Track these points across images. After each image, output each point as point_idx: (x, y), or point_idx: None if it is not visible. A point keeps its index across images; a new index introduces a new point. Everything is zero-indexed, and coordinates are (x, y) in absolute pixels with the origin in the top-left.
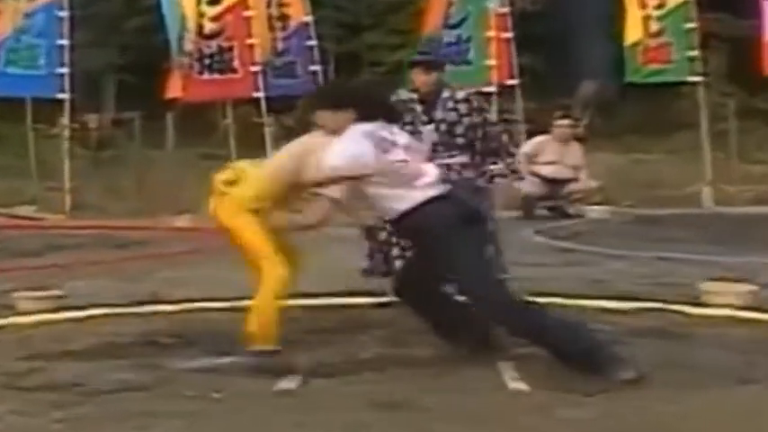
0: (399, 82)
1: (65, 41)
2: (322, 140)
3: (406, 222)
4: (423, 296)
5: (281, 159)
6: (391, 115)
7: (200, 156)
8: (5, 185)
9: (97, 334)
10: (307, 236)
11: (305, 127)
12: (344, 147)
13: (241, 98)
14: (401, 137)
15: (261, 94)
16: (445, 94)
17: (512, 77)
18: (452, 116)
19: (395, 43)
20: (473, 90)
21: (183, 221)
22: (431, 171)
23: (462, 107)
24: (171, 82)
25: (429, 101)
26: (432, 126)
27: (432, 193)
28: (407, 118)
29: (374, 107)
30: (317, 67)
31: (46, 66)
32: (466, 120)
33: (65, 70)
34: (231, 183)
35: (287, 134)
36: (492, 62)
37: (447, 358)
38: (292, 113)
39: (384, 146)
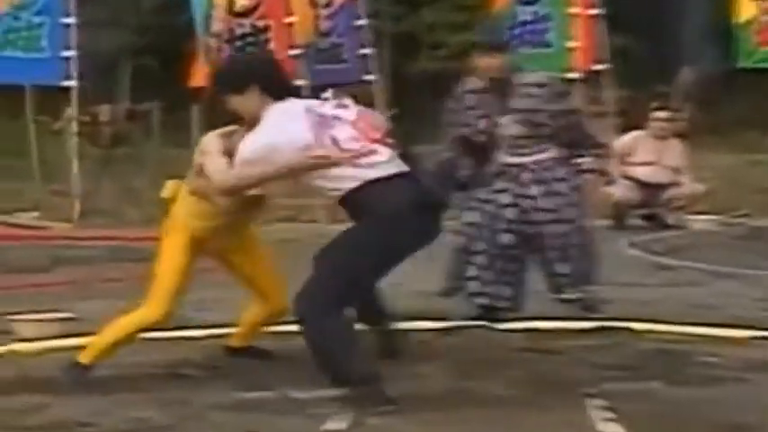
0: (463, 68)
1: (71, 20)
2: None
3: (350, 203)
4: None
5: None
6: (296, 92)
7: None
8: (2, 189)
9: (112, 364)
10: None
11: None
12: (261, 134)
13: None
14: (347, 110)
15: (301, 82)
16: (519, 79)
17: (599, 62)
18: (531, 103)
19: (459, 22)
20: (549, 74)
21: None
22: (383, 149)
23: (539, 92)
24: (196, 68)
25: (501, 89)
26: (510, 117)
27: (383, 172)
28: (481, 110)
29: (280, 80)
30: (367, 50)
31: (49, 48)
32: (549, 107)
33: (71, 53)
34: (169, 200)
35: None
36: (575, 44)
37: (523, 394)
38: None
39: (324, 121)
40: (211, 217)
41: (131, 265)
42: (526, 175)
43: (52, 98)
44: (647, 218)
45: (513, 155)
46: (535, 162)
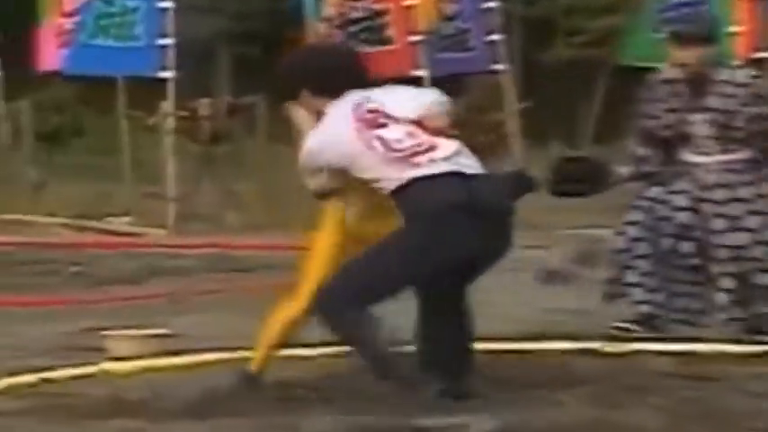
0: (605, 57)
1: (168, 3)
2: None
3: (396, 203)
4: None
5: None
6: (361, 78)
7: None
8: (92, 191)
9: (213, 385)
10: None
11: (479, 113)
12: (309, 139)
13: (398, 77)
14: (405, 104)
15: (424, 72)
16: (721, 75)
17: (763, 49)
18: (730, 104)
19: (599, 5)
20: (753, 72)
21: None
22: (444, 144)
23: (738, 92)
24: None
25: (698, 83)
26: (703, 116)
27: (428, 170)
28: (671, 103)
29: (334, 74)
30: (496, 37)
31: (144, 36)
32: (747, 109)
33: (168, 41)
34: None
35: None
36: (738, 28)
37: (673, 426)
38: (464, 97)
39: (373, 120)
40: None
41: (232, 275)
42: (710, 177)
43: (147, 91)
44: None
45: (697, 154)
46: (721, 163)
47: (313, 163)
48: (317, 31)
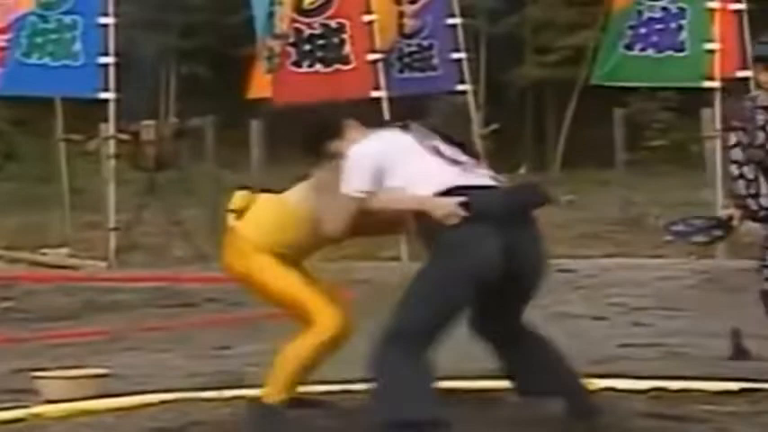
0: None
1: (109, 19)
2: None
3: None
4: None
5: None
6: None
7: (298, 179)
8: (27, 221)
9: (156, 428)
10: None
11: (444, 137)
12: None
13: (355, 99)
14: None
15: (382, 94)
16: None
17: (743, 67)
18: None
19: (571, 21)
20: None
21: None
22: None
23: None
24: (256, 76)
25: None
26: None
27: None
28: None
29: (366, 110)
30: (461, 55)
31: (83, 54)
32: None
33: (109, 60)
34: (239, 211)
35: None
36: (715, 46)
37: None
38: (427, 120)
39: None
40: (289, 231)
41: (180, 311)
42: None
43: (86, 113)
44: None
45: None
46: None
47: (358, 170)
48: (271, 49)
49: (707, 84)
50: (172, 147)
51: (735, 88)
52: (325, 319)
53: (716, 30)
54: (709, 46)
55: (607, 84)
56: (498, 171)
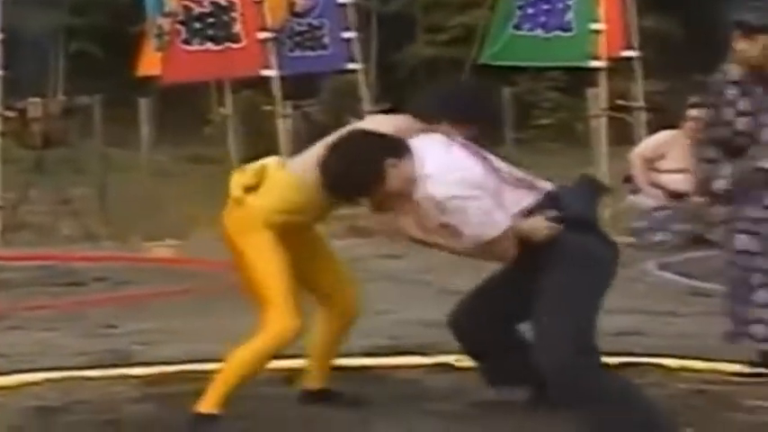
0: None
1: None
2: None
3: None
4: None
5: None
6: None
7: (187, 158)
8: None
9: (40, 407)
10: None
11: (335, 118)
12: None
13: (245, 78)
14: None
15: (273, 73)
16: None
17: (629, 48)
18: None
19: (463, 1)
20: None
21: (163, 250)
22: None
23: None
24: (146, 54)
25: (764, 80)
26: None
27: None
28: (741, 106)
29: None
30: (351, 34)
31: None
32: None
33: None
34: (251, 188)
35: (310, 129)
36: (601, 26)
37: None
38: (318, 100)
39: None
40: (301, 210)
41: (67, 290)
42: None
43: None
44: (682, 234)
45: None
46: None
47: (482, 206)
48: (160, 27)
49: (593, 63)
50: (59, 124)
51: (619, 68)
52: (279, 323)
53: (601, 10)
54: (594, 26)
55: (496, 63)
56: None
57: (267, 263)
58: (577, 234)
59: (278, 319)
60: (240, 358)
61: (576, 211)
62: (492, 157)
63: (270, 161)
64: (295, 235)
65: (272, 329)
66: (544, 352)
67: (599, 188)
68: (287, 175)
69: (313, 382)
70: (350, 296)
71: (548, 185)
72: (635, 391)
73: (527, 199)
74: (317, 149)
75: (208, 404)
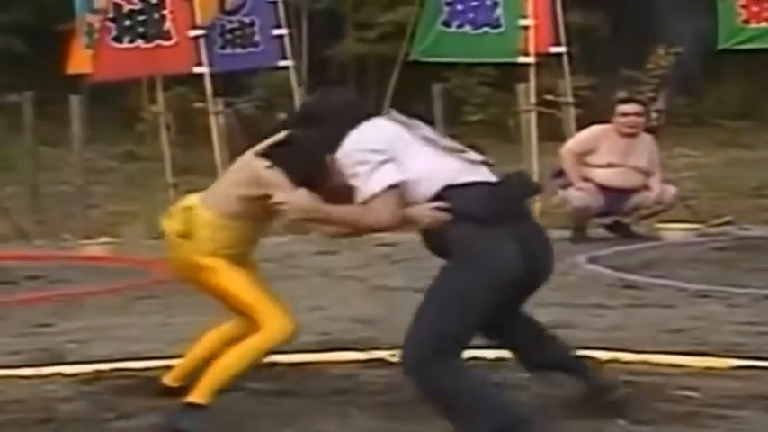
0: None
1: None
2: None
3: None
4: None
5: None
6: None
7: (119, 156)
8: None
9: None
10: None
11: (266, 116)
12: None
13: (177, 75)
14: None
15: (204, 70)
16: None
17: (557, 43)
18: None
19: None
20: None
21: (96, 248)
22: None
23: None
24: (75, 52)
25: None
26: None
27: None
28: None
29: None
30: (282, 31)
31: None
32: None
33: None
34: (184, 235)
35: (243, 126)
36: (529, 22)
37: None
38: (250, 97)
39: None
40: (233, 245)
41: None
42: None
43: None
44: (612, 228)
45: None
46: None
47: (372, 163)
48: (90, 24)
49: (522, 59)
50: None
51: (548, 63)
52: (275, 325)
53: (529, 7)
54: (523, 22)
55: (426, 59)
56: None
57: (231, 281)
58: (469, 229)
59: (273, 319)
60: (238, 355)
61: (471, 205)
62: (427, 130)
63: (192, 202)
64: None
65: (270, 328)
66: (403, 348)
67: (527, 186)
68: (210, 216)
69: (177, 380)
70: (285, 318)
71: (483, 172)
72: (492, 397)
73: (465, 174)
74: (223, 179)
75: (198, 395)
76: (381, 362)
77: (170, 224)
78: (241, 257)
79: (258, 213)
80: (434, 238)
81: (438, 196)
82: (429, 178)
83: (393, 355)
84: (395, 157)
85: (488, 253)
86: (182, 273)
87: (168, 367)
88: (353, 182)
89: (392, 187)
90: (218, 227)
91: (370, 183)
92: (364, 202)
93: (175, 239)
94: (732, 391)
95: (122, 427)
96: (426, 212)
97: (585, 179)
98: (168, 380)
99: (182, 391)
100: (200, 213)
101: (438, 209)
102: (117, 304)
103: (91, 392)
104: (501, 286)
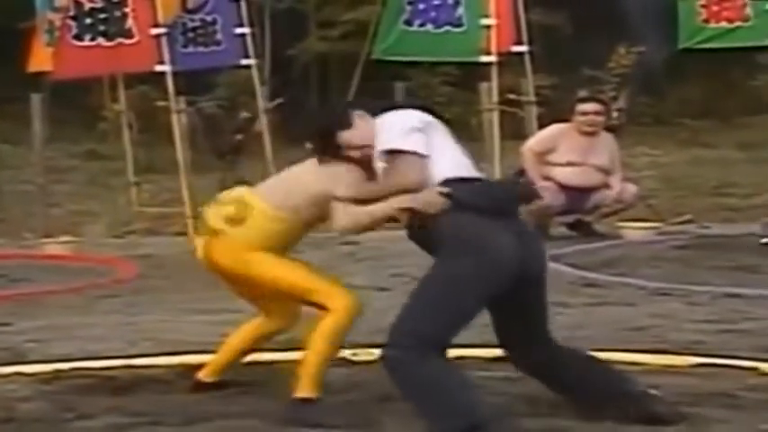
0: (359, 51)
1: None
2: None
3: None
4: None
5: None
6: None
7: (81, 155)
8: None
9: None
10: None
11: (230, 114)
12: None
13: (138, 73)
14: None
15: (166, 68)
16: None
17: (519, 42)
18: None
19: None
20: None
21: (57, 247)
22: None
23: None
24: (36, 50)
25: None
26: None
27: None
28: None
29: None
30: (245, 30)
31: None
32: None
33: None
34: (235, 221)
35: (205, 124)
36: (491, 21)
37: None
38: (212, 95)
39: None
40: (279, 240)
41: None
42: None
43: None
44: (573, 226)
45: None
46: None
47: (405, 131)
48: (51, 22)
49: (484, 58)
50: None
51: (510, 62)
52: (341, 301)
53: (491, 6)
54: (485, 21)
55: (388, 58)
56: (287, 145)
57: (279, 268)
58: (469, 217)
59: (338, 297)
60: (321, 340)
61: (474, 196)
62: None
63: (244, 192)
64: None
65: (338, 307)
66: (389, 338)
67: (525, 189)
68: (266, 207)
69: (212, 375)
70: (293, 310)
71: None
72: (465, 394)
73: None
74: (286, 176)
75: (304, 389)
76: (344, 361)
77: (217, 211)
78: (281, 254)
79: (312, 216)
80: (425, 230)
81: (444, 185)
82: (444, 166)
83: (355, 354)
84: (428, 136)
85: (486, 238)
86: (221, 264)
87: (128, 367)
88: (388, 145)
89: (422, 156)
90: (272, 218)
91: (406, 141)
92: (394, 158)
93: (222, 228)
94: (692, 388)
95: (82, 426)
96: (433, 196)
97: (546, 178)
98: (203, 375)
99: (181, 388)
100: (255, 202)
101: (442, 194)
102: (78, 303)
103: (51, 392)
104: (496, 275)
